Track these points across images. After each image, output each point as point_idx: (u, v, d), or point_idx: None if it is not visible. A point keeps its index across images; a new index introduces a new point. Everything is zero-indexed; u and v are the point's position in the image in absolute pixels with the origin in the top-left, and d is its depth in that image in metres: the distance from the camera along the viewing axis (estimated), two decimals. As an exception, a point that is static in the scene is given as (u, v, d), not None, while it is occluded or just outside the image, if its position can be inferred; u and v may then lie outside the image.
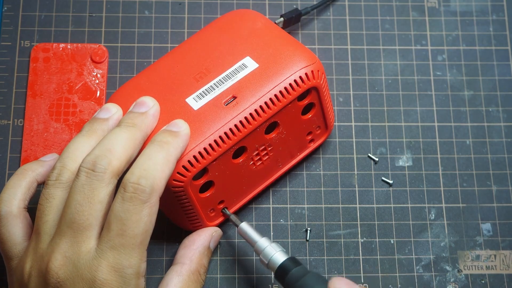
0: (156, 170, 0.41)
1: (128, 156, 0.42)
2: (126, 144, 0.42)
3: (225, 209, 0.50)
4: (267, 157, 0.49)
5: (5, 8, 0.58)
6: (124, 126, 0.44)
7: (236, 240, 0.52)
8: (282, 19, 0.56)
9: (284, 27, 0.57)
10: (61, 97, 0.55)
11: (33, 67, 0.56)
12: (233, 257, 0.52)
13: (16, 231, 0.44)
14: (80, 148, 0.43)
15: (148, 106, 0.45)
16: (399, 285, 0.52)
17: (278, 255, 0.46)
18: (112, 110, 0.46)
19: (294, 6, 0.59)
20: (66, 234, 0.40)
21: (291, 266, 0.45)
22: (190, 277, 0.47)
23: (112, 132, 0.43)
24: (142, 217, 0.40)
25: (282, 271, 0.45)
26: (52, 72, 0.56)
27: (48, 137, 0.54)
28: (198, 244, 0.49)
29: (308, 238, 0.53)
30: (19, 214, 0.44)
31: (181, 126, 0.45)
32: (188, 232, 0.50)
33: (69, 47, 0.57)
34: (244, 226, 0.48)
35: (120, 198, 0.40)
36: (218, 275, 0.51)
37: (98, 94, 0.55)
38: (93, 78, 0.56)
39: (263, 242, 0.47)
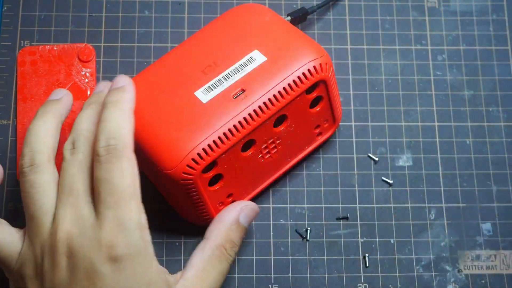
0: (118, 128, 0.42)
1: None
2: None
3: None
4: (275, 150, 0.50)
5: (5, 8, 0.58)
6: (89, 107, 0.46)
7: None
8: (289, 17, 0.56)
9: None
10: None
11: (21, 71, 0.56)
12: (233, 257, 0.52)
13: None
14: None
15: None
16: (399, 285, 0.52)
17: None
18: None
19: (294, 6, 0.59)
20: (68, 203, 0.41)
21: None
22: (213, 252, 0.45)
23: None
24: (124, 170, 0.40)
25: None
26: (40, 75, 0.56)
27: (42, 139, 0.54)
28: (225, 218, 0.47)
29: (308, 238, 0.53)
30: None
31: (124, 81, 0.45)
32: (201, 227, 0.49)
33: (55, 48, 0.56)
34: None
35: (98, 164, 0.41)
36: (218, 275, 0.51)
37: (88, 93, 0.55)
38: (82, 78, 0.56)
39: None
